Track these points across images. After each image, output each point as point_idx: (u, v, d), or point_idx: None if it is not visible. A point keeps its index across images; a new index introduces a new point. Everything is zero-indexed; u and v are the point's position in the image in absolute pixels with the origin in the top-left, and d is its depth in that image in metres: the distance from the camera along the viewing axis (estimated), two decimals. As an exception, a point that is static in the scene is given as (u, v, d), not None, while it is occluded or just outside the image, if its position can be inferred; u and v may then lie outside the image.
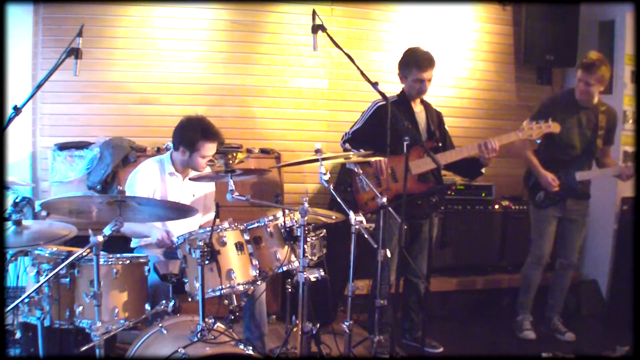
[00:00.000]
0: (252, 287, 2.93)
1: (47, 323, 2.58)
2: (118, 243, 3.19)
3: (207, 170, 3.61)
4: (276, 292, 4.32)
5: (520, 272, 4.36)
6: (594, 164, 4.20)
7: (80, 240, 2.84)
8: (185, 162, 3.44)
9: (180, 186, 3.50)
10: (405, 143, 3.07)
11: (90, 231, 2.41)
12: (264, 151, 4.71)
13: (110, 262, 2.64)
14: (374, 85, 3.02)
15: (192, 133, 3.36)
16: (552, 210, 4.12)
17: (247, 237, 2.90)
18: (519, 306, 4.32)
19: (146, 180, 3.42)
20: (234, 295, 2.88)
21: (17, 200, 3.98)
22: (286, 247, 2.96)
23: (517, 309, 4.34)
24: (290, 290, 3.44)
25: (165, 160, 3.51)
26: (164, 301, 2.75)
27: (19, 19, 4.29)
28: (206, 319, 2.63)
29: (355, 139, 3.83)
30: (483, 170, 3.82)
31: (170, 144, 3.54)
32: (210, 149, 3.41)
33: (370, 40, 5.09)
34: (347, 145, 3.83)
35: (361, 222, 2.89)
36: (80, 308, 2.60)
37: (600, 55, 3.98)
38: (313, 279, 2.80)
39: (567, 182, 4.02)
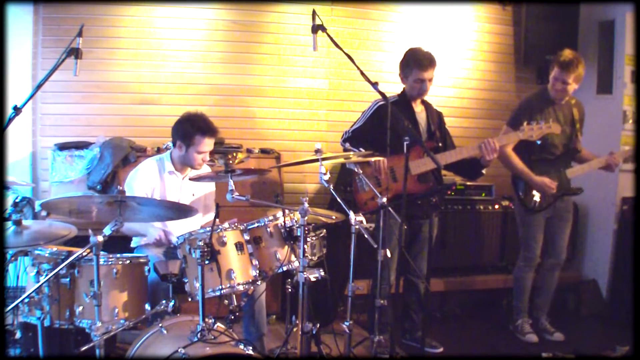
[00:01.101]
0: (252, 287, 2.93)
1: (47, 323, 2.58)
2: (118, 243, 3.19)
3: (207, 170, 3.61)
4: (276, 292, 4.32)
5: (513, 275, 4.34)
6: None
7: (80, 240, 2.84)
8: (182, 157, 3.44)
9: (180, 185, 3.51)
10: (405, 143, 3.07)
11: (90, 231, 2.41)
12: (264, 151, 4.71)
13: (110, 262, 2.64)
14: (374, 85, 3.02)
15: (188, 127, 3.37)
16: (544, 212, 4.11)
17: (247, 237, 2.90)
18: (516, 310, 4.31)
19: (145, 179, 3.42)
20: (234, 295, 2.88)
21: (17, 200, 3.98)
22: (286, 247, 2.96)
23: (515, 313, 4.32)
24: (290, 290, 3.44)
25: (165, 159, 3.51)
26: (164, 301, 2.75)
27: (19, 19, 4.29)
28: (206, 319, 2.63)
29: (355, 137, 3.83)
30: (484, 171, 3.82)
31: (170, 144, 3.54)
32: (206, 144, 3.40)
33: (370, 40, 5.09)
34: (347, 144, 3.83)
35: (361, 222, 2.89)
36: (80, 308, 2.60)
37: (576, 53, 3.98)
38: (313, 279, 2.80)
39: (561, 181, 4.02)
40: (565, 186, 4.05)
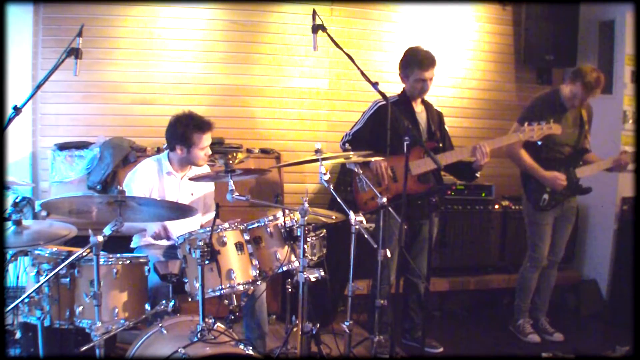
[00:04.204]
0: (252, 287, 2.93)
1: (47, 323, 2.58)
2: (118, 243, 3.19)
3: (207, 170, 3.61)
4: (276, 292, 4.32)
5: (518, 274, 4.33)
6: None
7: (80, 240, 2.84)
8: (184, 159, 3.45)
9: (178, 186, 3.51)
10: (405, 143, 3.07)
11: (90, 231, 2.41)
12: (264, 151, 4.71)
13: (110, 262, 2.64)
14: (374, 85, 3.02)
15: (183, 129, 3.37)
16: (552, 212, 4.11)
17: (247, 237, 2.90)
18: (518, 310, 4.30)
19: (143, 179, 3.42)
20: (234, 295, 2.88)
21: (17, 200, 3.98)
22: (286, 247, 2.96)
23: (516, 314, 4.31)
24: (290, 290, 3.44)
25: (162, 159, 3.51)
26: (164, 301, 2.75)
27: (19, 19, 4.29)
28: (206, 319, 2.63)
29: (356, 140, 3.82)
30: (477, 174, 3.81)
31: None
32: (206, 139, 3.42)
33: (370, 40, 5.09)
34: (347, 146, 3.82)
35: (361, 222, 2.89)
36: (80, 308, 2.60)
37: (599, 71, 3.96)
38: (313, 279, 2.80)
39: (570, 180, 4.02)
40: (575, 185, 4.05)
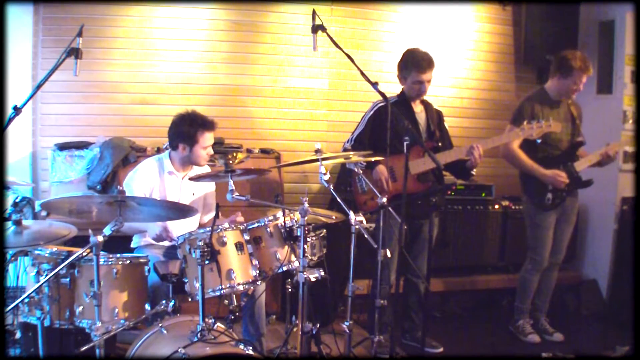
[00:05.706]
0: (252, 287, 2.94)
1: (47, 323, 2.58)
2: (118, 243, 3.19)
3: (207, 170, 3.61)
4: (276, 292, 4.32)
5: (519, 276, 4.32)
6: None
7: (80, 240, 2.84)
8: (186, 158, 3.45)
9: (179, 185, 3.51)
10: (405, 143, 3.07)
11: (90, 231, 2.41)
12: (264, 151, 4.72)
13: (110, 262, 2.64)
14: (374, 85, 3.03)
15: (188, 127, 3.38)
16: (554, 213, 4.10)
17: (247, 237, 2.90)
18: (518, 311, 4.29)
19: (144, 179, 3.42)
20: (234, 295, 2.89)
21: (17, 200, 3.98)
22: (286, 247, 2.96)
23: (516, 314, 4.31)
24: (290, 290, 3.44)
25: (164, 159, 3.51)
26: (164, 301, 2.75)
27: (19, 19, 4.29)
28: (206, 319, 2.63)
29: (357, 142, 3.80)
30: (473, 172, 3.81)
31: (168, 145, 3.54)
32: (209, 138, 3.44)
33: (370, 40, 5.09)
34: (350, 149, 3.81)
35: (361, 222, 2.89)
36: (80, 308, 2.60)
37: (584, 54, 3.97)
38: (313, 279, 2.80)
39: (570, 175, 4.02)
40: (576, 179, 4.05)
